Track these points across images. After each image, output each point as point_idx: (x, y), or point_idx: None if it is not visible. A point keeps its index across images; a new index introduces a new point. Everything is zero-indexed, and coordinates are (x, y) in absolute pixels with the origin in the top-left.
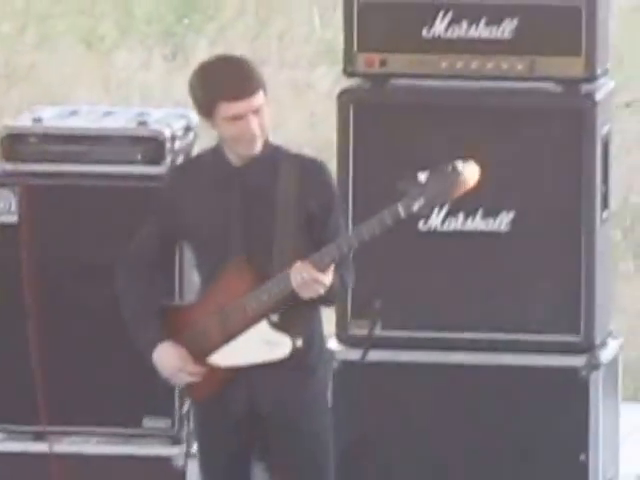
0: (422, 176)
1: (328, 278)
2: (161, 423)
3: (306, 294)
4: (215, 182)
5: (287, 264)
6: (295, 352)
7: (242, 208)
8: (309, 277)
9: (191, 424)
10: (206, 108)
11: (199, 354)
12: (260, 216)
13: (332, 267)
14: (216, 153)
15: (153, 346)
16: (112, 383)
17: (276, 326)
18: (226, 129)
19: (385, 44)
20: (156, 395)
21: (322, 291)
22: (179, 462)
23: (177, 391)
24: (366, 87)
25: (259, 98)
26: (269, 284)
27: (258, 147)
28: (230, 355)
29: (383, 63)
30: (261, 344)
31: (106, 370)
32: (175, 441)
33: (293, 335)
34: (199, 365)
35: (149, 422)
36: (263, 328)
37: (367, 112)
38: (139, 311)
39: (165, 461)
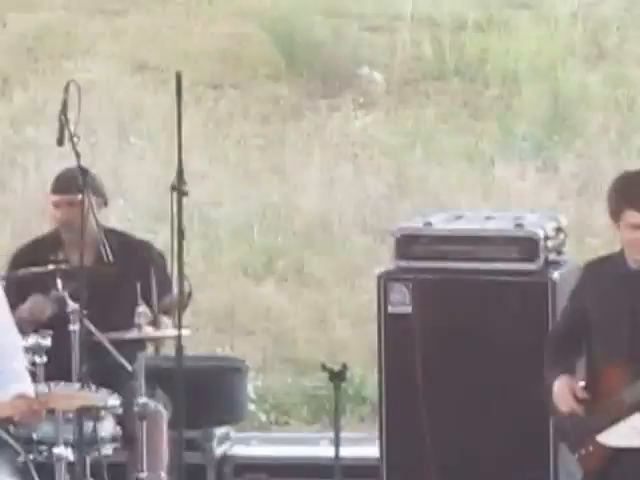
0: None
1: None
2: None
3: None
4: (614, 282)
5: None
6: None
7: (634, 310)
8: None
9: None
10: (615, 213)
11: (588, 431)
12: None
13: None
14: (620, 256)
15: (555, 378)
16: (492, 447)
17: None
18: (626, 235)
19: None
20: (530, 460)
21: None
22: None
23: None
24: None
25: None
26: None
27: None
28: (613, 437)
29: None
30: (636, 432)
31: (485, 434)
32: None
33: None
34: (588, 442)
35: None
36: (637, 419)
37: None
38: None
39: None
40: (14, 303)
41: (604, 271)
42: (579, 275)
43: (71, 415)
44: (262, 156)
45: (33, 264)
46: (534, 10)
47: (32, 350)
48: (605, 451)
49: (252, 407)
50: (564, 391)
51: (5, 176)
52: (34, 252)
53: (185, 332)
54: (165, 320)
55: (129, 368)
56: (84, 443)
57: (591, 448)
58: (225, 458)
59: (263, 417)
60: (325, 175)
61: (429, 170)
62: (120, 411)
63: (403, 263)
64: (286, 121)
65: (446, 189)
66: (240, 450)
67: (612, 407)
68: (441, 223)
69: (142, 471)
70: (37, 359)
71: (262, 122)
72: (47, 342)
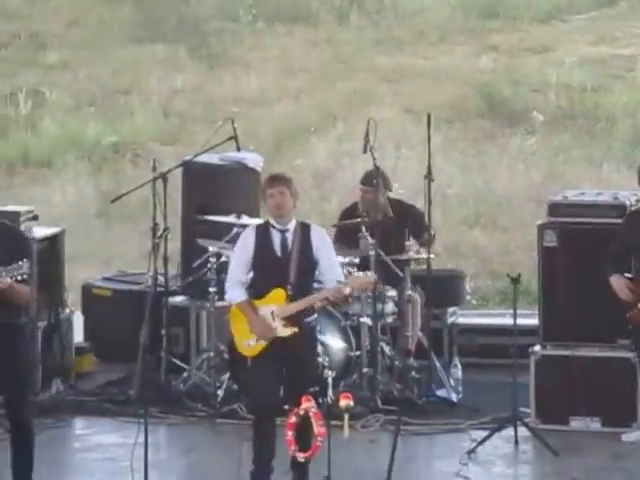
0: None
1: None
2: (624, 342)
3: None
4: None
5: None
6: None
7: None
8: None
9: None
10: None
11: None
12: None
13: None
14: None
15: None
16: (599, 313)
17: None
18: None
19: None
20: (621, 324)
21: None
22: (634, 360)
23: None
24: None
25: None
26: None
27: None
28: None
29: None
30: None
31: (595, 307)
32: (631, 349)
33: None
34: (635, 306)
35: (620, 341)
36: None
37: None
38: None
39: (627, 360)
40: (343, 242)
41: None
42: (625, 219)
43: (370, 300)
44: (474, 159)
45: (350, 218)
46: (624, 79)
47: (349, 265)
48: None
49: (468, 297)
50: (620, 284)
51: (334, 173)
52: (352, 212)
53: (432, 255)
54: (421, 249)
55: (401, 274)
56: (377, 315)
57: None
58: (453, 325)
59: (474, 302)
60: (509, 170)
61: (566, 168)
62: (396, 298)
63: (552, 218)
64: (487, 140)
65: (575, 178)
66: (461, 320)
67: None
68: (572, 197)
69: (407, 330)
70: (351, 269)
71: (474, 141)
72: (357, 260)
